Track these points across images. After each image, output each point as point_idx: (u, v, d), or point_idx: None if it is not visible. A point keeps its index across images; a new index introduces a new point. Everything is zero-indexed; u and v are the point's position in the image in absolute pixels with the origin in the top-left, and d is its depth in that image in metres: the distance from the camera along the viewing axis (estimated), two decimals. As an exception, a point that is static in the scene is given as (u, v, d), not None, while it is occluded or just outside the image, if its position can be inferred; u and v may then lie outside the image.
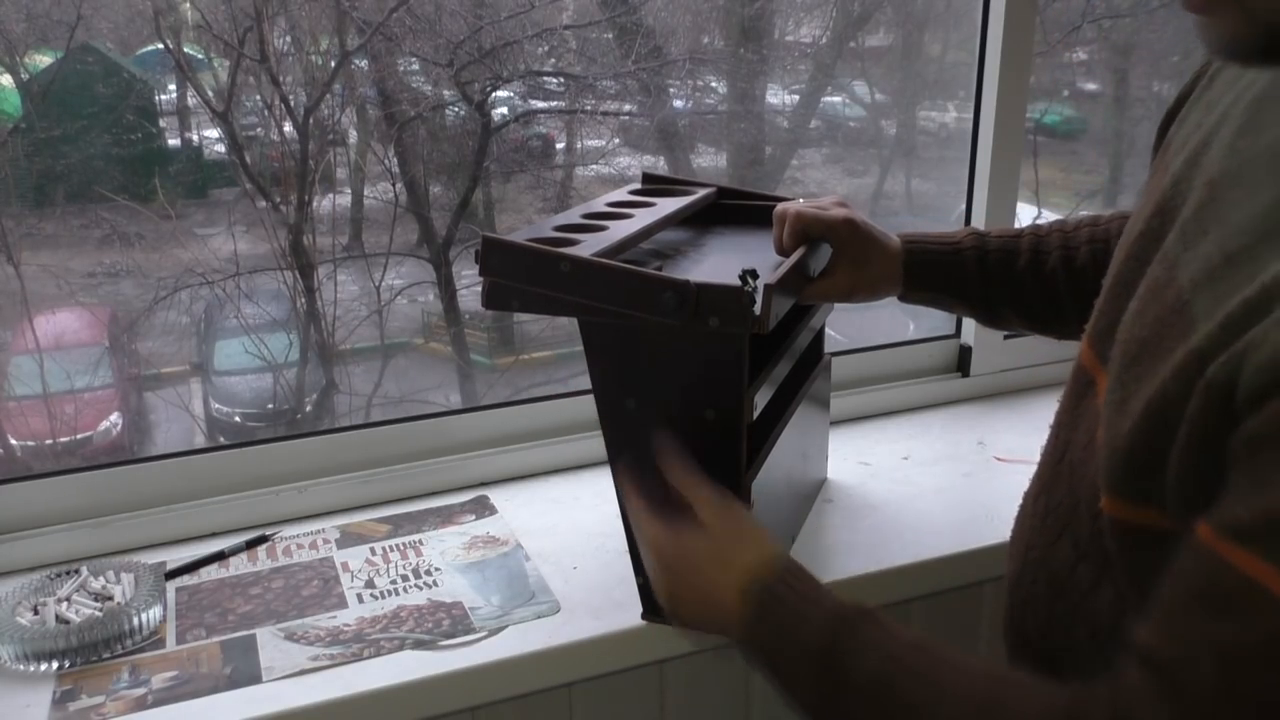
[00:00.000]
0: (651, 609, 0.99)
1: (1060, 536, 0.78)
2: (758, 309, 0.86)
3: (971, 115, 1.47)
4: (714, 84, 2.27)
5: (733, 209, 1.25)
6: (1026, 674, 0.71)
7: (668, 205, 1.15)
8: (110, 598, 1.00)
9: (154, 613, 0.99)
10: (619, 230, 1.04)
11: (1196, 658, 0.57)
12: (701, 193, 1.23)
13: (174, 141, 2.02)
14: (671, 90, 2.22)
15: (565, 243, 0.96)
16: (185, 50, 1.94)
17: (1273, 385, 0.57)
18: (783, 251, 1.08)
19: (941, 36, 2.12)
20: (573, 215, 1.09)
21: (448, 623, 0.99)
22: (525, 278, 0.89)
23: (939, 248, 1.12)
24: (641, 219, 1.09)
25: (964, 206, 1.55)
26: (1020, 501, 0.88)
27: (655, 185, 1.26)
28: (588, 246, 0.96)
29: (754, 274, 0.88)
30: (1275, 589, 0.55)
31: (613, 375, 0.93)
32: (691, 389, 0.91)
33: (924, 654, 0.70)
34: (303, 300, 2.08)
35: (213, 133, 1.98)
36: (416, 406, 2.17)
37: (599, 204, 1.17)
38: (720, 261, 1.09)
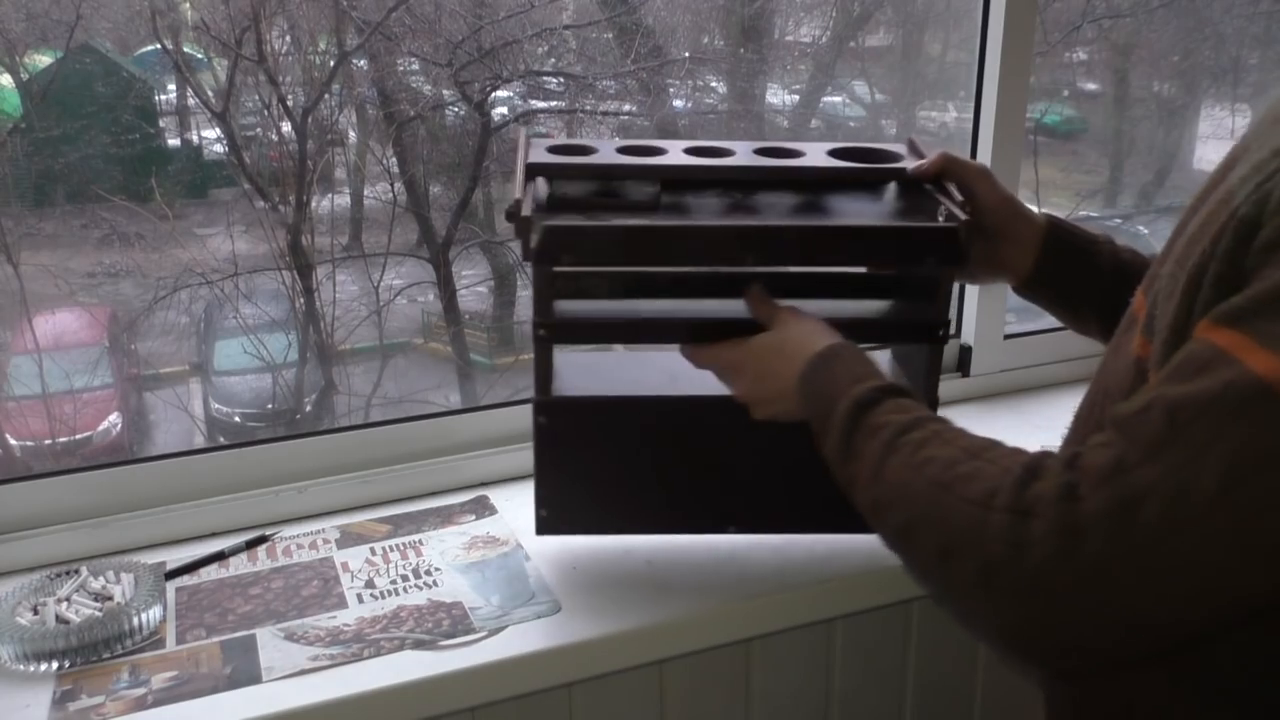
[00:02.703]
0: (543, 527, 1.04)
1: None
2: (533, 240, 0.90)
3: (971, 115, 1.47)
4: (714, 84, 2.27)
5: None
6: (996, 444, 0.72)
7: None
8: (110, 598, 1.00)
9: (154, 613, 0.99)
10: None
11: (1149, 408, 0.60)
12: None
13: (173, 141, 2.02)
14: (671, 90, 2.22)
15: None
16: (184, 50, 1.94)
17: None
18: (919, 174, 1.00)
19: (941, 36, 2.13)
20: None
21: (448, 623, 0.99)
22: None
23: (1080, 236, 1.01)
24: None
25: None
26: None
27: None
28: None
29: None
30: (1241, 356, 0.57)
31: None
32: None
33: (924, 431, 0.73)
34: (302, 300, 2.08)
35: (212, 133, 1.98)
36: (416, 406, 2.17)
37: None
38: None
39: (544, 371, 1.00)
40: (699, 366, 0.97)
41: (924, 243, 0.92)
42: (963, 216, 0.91)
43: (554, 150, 1.04)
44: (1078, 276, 0.99)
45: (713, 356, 0.96)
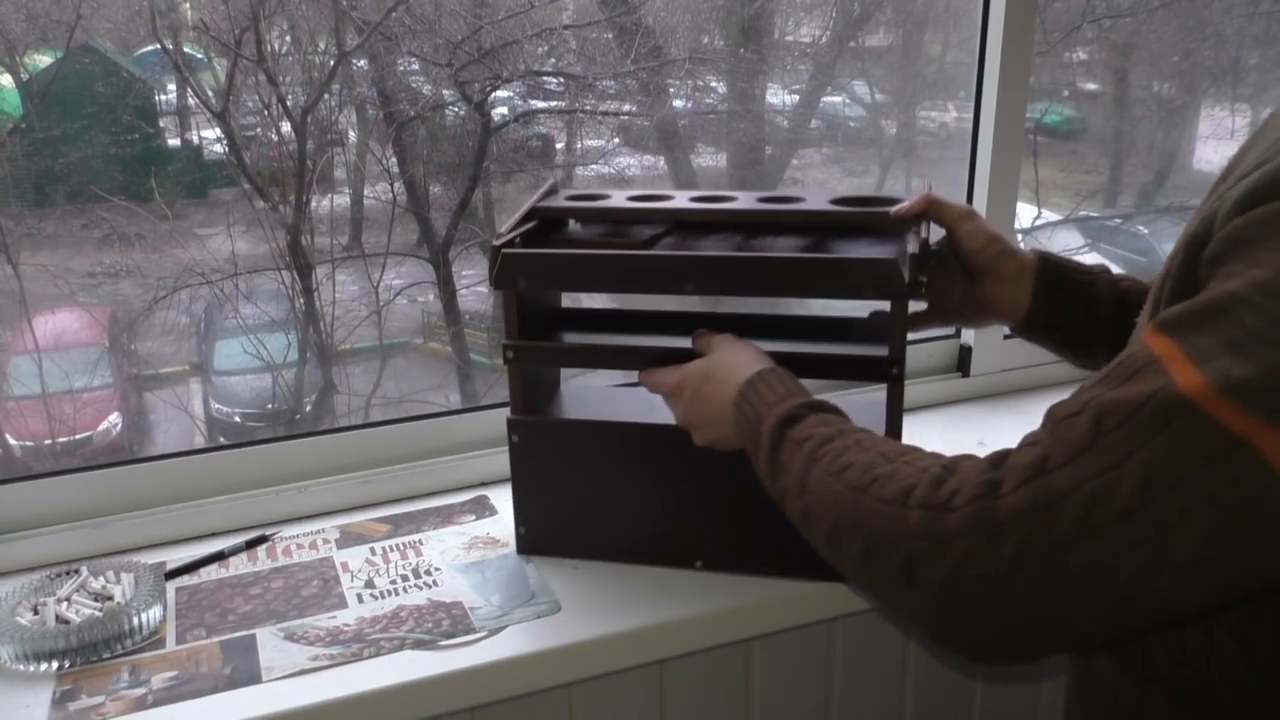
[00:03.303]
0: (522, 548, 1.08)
1: None
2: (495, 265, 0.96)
3: (971, 115, 1.47)
4: (714, 84, 2.27)
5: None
6: (914, 449, 0.73)
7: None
8: (110, 598, 1.00)
9: (154, 613, 0.99)
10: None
11: (1081, 411, 0.60)
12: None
13: (173, 141, 2.02)
14: (671, 90, 2.22)
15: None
16: (184, 50, 1.94)
17: (1235, 215, 0.59)
18: (901, 215, 0.98)
19: (941, 36, 2.12)
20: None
21: (448, 623, 0.99)
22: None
23: (1074, 269, 0.98)
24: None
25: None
26: None
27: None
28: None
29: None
30: (1169, 367, 0.57)
31: None
32: None
33: (846, 439, 0.75)
34: (302, 300, 2.08)
35: (212, 133, 1.98)
36: (416, 406, 2.17)
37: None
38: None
39: (518, 390, 1.04)
40: (652, 392, 0.99)
41: (860, 274, 0.92)
42: (911, 251, 0.90)
43: (570, 198, 1.11)
44: (1078, 311, 0.97)
45: (655, 382, 0.97)
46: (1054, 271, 0.97)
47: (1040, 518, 0.59)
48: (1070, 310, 0.97)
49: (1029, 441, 0.63)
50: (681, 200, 1.08)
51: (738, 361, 0.90)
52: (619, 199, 1.10)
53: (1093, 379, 0.63)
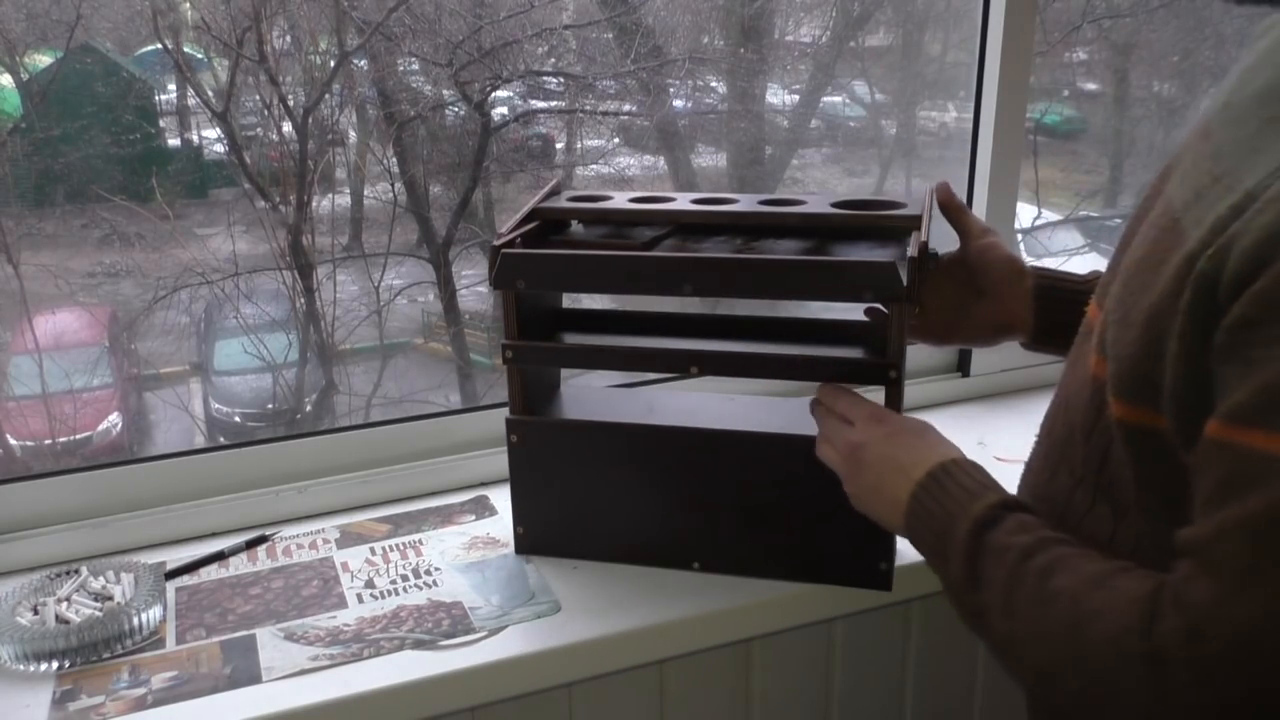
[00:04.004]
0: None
1: (1058, 469, 0.82)
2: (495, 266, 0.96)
3: (971, 115, 1.46)
4: (714, 84, 2.27)
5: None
6: (1117, 572, 0.72)
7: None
8: (110, 598, 1.00)
9: (154, 613, 0.99)
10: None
11: (1228, 534, 0.61)
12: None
13: (173, 141, 2.02)
14: (671, 90, 2.22)
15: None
16: (184, 50, 1.94)
17: (1254, 270, 0.60)
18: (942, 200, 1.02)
19: (941, 36, 2.12)
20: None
21: (448, 623, 0.99)
22: None
23: (1071, 281, 1.01)
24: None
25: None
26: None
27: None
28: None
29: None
30: None
31: None
32: None
33: (1048, 554, 0.73)
34: (302, 300, 2.08)
35: (212, 133, 1.99)
36: (416, 406, 2.17)
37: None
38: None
39: (517, 391, 1.04)
40: (821, 453, 0.95)
41: (859, 276, 0.91)
42: (911, 254, 0.90)
43: (572, 199, 1.10)
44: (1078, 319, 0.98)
45: (839, 443, 0.93)
46: (1047, 284, 1.00)
47: (1250, 650, 0.60)
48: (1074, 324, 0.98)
49: (1186, 576, 0.64)
50: (683, 202, 1.08)
51: (921, 445, 0.87)
52: (620, 200, 1.10)
53: (1202, 500, 0.64)
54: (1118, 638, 0.65)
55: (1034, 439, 0.91)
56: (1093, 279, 1.01)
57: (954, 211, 1.02)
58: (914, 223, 0.98)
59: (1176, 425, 0.66)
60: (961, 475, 0.82)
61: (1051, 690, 0.71)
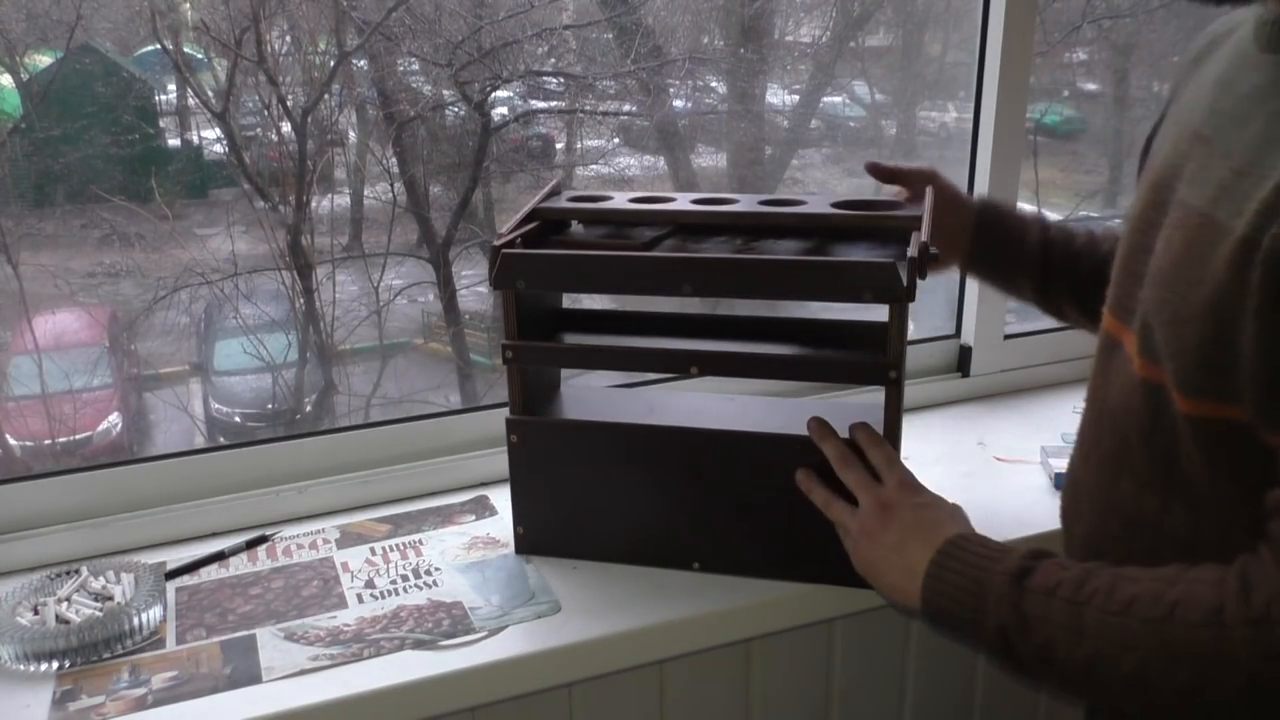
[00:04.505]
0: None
1: (1118, 478, 0.81)
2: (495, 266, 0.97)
3: (971, 115, 1.47)
4: (714, 84, 2.27)
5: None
6: (1182, 570, 0.72)
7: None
8: (110, 598, 1.00)
9: (154, 613, 0.99)
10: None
11: None
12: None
13: (173, 142, 2.02)
14: (671, 90, 2.22)
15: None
16: (184, 50, 1.94)
17: None
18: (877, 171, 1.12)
19: (941, 36, 2.13)
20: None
21: (448, 623, 0.99)
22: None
23: (1010, 214, 1.11)
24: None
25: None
26: (1062, 483, 0.93)
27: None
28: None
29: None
30: None
31: None
32: None
33: (1101, 578, 0.72)
34: (302, 300, 2.08)
35: (212, 133, 1.98)
36: (416, 406, 2.17)
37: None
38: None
39: (517, 391, 1.04)
40: (831, 512, 0.95)
41: (859, 277, 0.92)
42: (911, 254, 0.90)
43: (572, 199, 1.11)
44: (1014, 249, 1.09)
45: (870, 503, 0.92)
46: (990, 211, 1.11)
47: None
48: (1007, 250, 1.10)
49: (1266, 553, 0.65)
50: (683, 202, 1.09)
51: (949, 524, 0.87)
52: (621, 201, 1.10)
53: None
54: (1212, 615, 0.65)
55: (1063, 468, 0.93)
56: (1031, 219, 1.10)
57: (888, 174, 1.09)
58: (914, 223, 0.98)
59: (1258, 404, 0.67)
60: (978, 544, 0.82)
61: (1148, 693, 0.69)
